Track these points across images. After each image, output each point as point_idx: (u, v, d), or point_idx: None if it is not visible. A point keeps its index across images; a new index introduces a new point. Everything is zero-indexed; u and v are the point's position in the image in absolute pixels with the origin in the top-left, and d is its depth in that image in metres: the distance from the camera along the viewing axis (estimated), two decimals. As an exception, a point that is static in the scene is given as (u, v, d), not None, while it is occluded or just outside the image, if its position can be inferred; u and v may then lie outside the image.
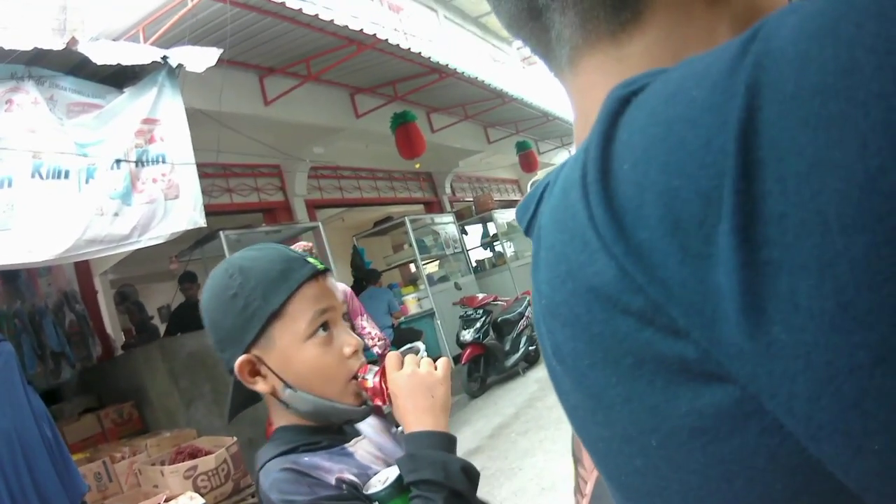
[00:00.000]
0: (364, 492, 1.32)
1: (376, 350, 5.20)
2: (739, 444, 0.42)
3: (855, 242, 0.34)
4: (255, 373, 1.38)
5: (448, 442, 1.37)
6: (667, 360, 0.45)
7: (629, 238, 0.44)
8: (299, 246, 5.27)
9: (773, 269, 0.37)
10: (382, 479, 1.33)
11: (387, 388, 1.41)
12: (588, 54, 0.62)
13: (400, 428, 1.47)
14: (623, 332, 0.47)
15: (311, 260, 1.44)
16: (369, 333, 5.21)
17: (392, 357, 1.43)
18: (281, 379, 1.37)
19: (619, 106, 0.48)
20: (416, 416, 1.37)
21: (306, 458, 1.33)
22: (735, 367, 0.40)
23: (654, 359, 0.45)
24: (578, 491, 1.93)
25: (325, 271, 1.44)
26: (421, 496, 1.27)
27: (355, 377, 1.43)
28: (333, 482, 1.30)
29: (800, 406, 0.38)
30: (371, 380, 1.42)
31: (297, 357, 1.37)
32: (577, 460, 1.93)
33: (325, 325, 1.39)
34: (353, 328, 5.23)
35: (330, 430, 1.46)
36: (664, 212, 0.42)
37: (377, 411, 1.47)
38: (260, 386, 1.38)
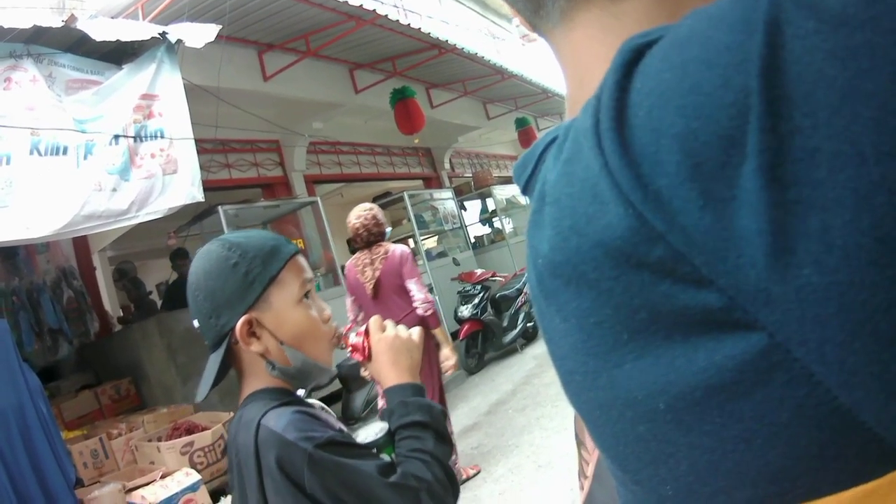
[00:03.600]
0: None
1: (419, 311, 5.54)
2: (763, 399, 0.42)
3: (893, 170, 0.34)
4: (251, 333, 1.53)
5: (424, 393, 1.61)
6: (687, 312, 0.44)
7: (647, 186, 0.43)
8: (363, 209, 5.61)
9: (803, 209, 0.37)
10: (374, 430, 1.55)
11: (369, 346, 1.67)
12: (584, 9, 0.61)
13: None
14: (636, 286, 0.46)
15: (291, 242, 1.65)
16: (413, 296, 5.55)
17: (375, 320, 1.71)
18: (275, 337, 1.54)
19: (634, 55, 0.47)
20: (398, 373, 1.62)
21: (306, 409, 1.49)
22: (762, 315, 0.40)
23: (673, 312, 0.45)
24: (582, 473, 1.93)
25: (300, 251, 1.66)
26: (412, 436, 1.49)
27: (336, 337, 1.65)
28: (337, 429, 1.48)
29: (832, 351, 0.38)
30: (353, 337, 1.69)
31: (291, 317, 1.56)
32: (580, 443, 1.94)
33: (307, 294, 1.60)
34: (403, 289, 5.65)
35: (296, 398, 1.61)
36: (682, 156, 0.41)
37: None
38: (255, 346, 1.53)
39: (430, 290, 11.90)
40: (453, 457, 5.99)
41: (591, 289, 0.49)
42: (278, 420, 1.41)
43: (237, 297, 1.52)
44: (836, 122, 0.35)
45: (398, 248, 5.66)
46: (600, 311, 0.49)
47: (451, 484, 1.46)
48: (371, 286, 5.56)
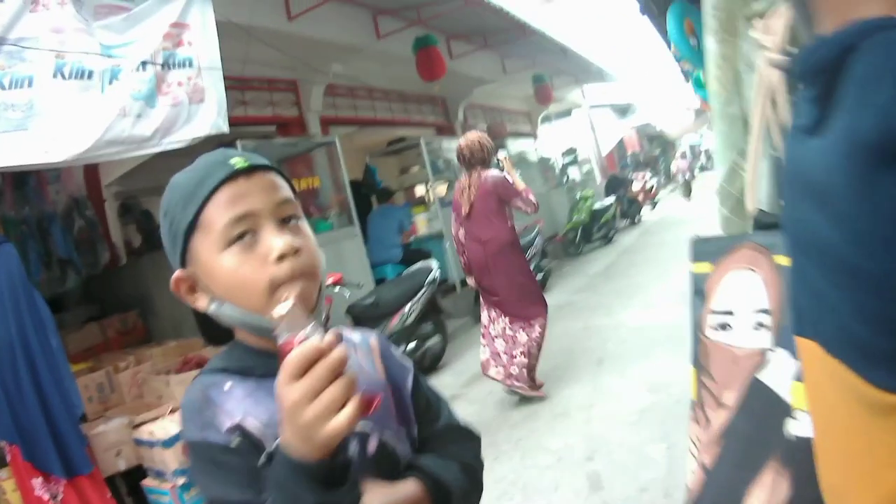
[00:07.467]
0: (274, 441, 1.13)
1: (528, 211, 6.54)
2: None
3: None
4: (193, 289, 1.31)
5: (301, 475, 1.02)
6: None
7: None
8: (473, 133, 6.46)
9: None
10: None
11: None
12: None
13: None
14: None
15: (233, 160, 1.27)
16: (519, 206, 6.45)
17: (291, 362, 0.99)
18: (208, 293, 1.29)
19: None
20: (290, 432, 1.01)
21: (224, 390, 1.25)
22: None
23: None
24: (700, 404, 1.84)
25: (252, 170, 1.27)
26: None
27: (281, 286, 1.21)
28: (225, 429, 1.19)
29: None
30: (291, 342, 1.03)
31: (216, 268, 1.25)
32: (701, 369, 1.84)
33: (249, 232, 1.23)
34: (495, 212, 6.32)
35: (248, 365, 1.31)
36: None
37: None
38: (199, 303, 1.30)
39: (441, 237, 11.94)
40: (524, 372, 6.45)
41: None
42: (188, 390, 1.29)
43: (170, 252, 1.33)
44: None
45: (489, 175, 6.30)
46: None
47: None
48: (466, 208, 6.25)
